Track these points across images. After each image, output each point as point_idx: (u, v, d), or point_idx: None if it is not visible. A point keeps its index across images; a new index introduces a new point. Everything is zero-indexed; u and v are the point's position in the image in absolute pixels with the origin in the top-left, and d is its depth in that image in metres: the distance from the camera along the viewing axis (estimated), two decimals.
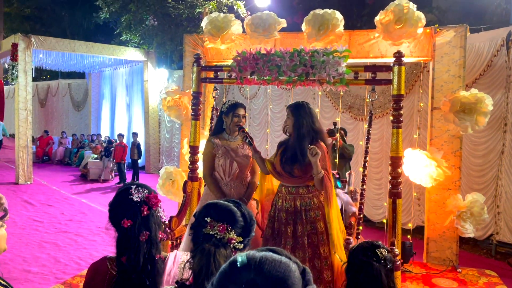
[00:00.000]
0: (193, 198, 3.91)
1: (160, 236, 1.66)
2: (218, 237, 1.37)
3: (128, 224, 1.57)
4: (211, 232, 1.38)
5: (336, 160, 5.29)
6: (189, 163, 3.98)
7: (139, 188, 1.64)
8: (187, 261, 1.42)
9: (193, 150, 3.97)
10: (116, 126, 14.25)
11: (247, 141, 3.29)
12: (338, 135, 5.47)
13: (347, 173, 4.25)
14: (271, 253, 0.82)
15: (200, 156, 3.84)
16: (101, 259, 1.66)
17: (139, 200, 1.61)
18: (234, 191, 3.41)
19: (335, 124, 6.20)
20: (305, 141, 3.09)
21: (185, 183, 3.89)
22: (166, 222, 1.76)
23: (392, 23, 4.28)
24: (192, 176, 3.95)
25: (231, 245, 1.39)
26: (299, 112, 3.18)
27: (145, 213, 1.61)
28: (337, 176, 4.13)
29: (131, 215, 1.59)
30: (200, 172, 3.84)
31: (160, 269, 1.60)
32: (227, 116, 3.42)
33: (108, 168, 11.18)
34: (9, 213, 1.79)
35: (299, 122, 3.15)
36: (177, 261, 1.65)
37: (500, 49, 5.73)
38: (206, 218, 1.40)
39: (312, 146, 2.96)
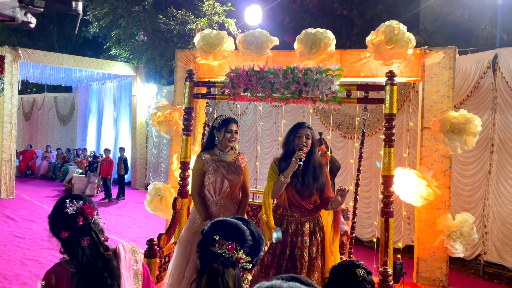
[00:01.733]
0: (182, 215, 3.84)
1: (103, 238, 1.79)
2: (227, 256, 1.34)
3: (66, 235, 1.71)
4: (219, 251, 1.34)
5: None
6: (180, 179, 3.93)
7: (74, 200, 1.76)
8: (193, 280, 1.38)
9: (184, 166, 3.91)
10: (103, 141, 14.09)
11: (300, 167, 3.08)
12: (323, 146, 5.40)
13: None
14: (298, 284, 0.79)
15: (190, 172, 3.78)
16: (56, 264, 1.75)
17: (73, 212, 1.73)
18: (225, 209, 3.33)
19: (320, 133, 6.14)
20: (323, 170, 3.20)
21: (175, 199, 3.82)
22: (103, 227, 1.85)
23: (383, 43, 4.33)
24: (182, 192, 3.89)
25: (240, 265, 1.35)
26: (314, 136, 3.22)
27: (81, 223, 1.73)
28: None
29: (68, 226, 1.72)
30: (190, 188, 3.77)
31: (114, 260, 1.76)
32: (219, 132, 3.35)
33: (93, 183, 10.99)
34: None
35: (314, 142, 3.19)
36: (126, 248, 1.83)
37: (487, 71, 5.85)
38: (214, 236, 1.36)
39: (342, 188, 2.99)
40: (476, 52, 6.19)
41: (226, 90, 3.59)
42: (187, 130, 3.90)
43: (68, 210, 1.74)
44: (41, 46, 15.94)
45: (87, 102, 15.07)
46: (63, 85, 14.62)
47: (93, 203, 1.83)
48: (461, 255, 4.51)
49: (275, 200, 3.30)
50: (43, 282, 1.69)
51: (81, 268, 1.70)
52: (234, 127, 3.34)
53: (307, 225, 3.12)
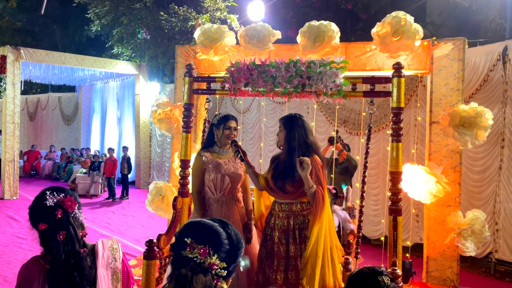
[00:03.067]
0: (183, 215, 3.72)
1: (81, 233, 1.75)
2: (198, 261, 1.20)
3: (43, 227, 1.67)
4: (190, 255, 1.21)
5: (332, 175, 5.08)
6: (180, 177, 3.80)
7: (54, 192, 1.73)
8: (163, 286, 1.25)
9: (184, 164, 3.79)
10: (107, 140, 14.02)
11: (239, 156, 3.16)
12: (339, 144, 5.25)
13: (344, 188, 4.08)
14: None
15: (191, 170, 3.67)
16: (32, 258, 1.73)
17: (52, 204, 1.70)
18: (226, 207, 3.26)
19: (337, 131, 5.97)
20: (296, 155, 2.95)
21: (175, 199, 3.69)
22: (84, 222, 1.81)
23: (389, 35, 4.18)
24: (183, 191, 3.76)
25: (213, 271, 1.21)
26: (291, 125, 3.05)
27: (59, 216, 1.69)
28: (334, 191, 3.97)
29: (46, 219, 1.68)
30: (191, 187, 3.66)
31: (87, 260, 1.71)
32: (218, 129, 3.30)
33: (97, 183, 10.92)
34: None
35: (290, 135, 3.02)
36: (105, 245, 1.80)
37: (496, 63, 5.68)
38: (186, 239, 1.23)
39: (301, 158, 2.82)
40: (485, 44, 6.01)
41: (227, 85, 3.46)
42: (187, 127, 3.77)
43: (48, 202, 1.70)
44: (44, 46, 15.88)
45: (91, 102, 15.01)
46: (66, 84, 14.57)
47: (75, 197, 1.80)
48: (473, 254, 4.36)
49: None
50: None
51: (54, 263, 1.66)
52: (232, 124, 3.28)
53: (286, 221, 3.01)
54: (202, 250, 1.20)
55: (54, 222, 1.69)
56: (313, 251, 2.82)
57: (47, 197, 1.71)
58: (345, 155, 5.21)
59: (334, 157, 5.60)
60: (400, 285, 2.91)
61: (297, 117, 3.09)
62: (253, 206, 3.48)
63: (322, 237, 2.86)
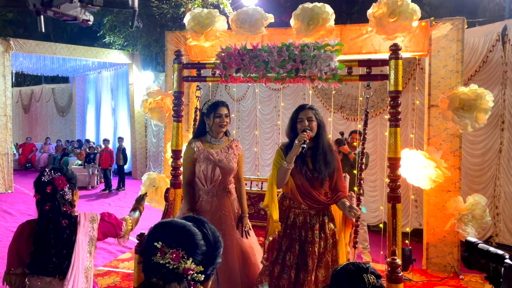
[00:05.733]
0: (176, 207, 3.62)
1: (65, 208, 2.17)
2: (171, 267, 1.07)
3: (37, 197, 2.17)
4: (161, 261, 1.08)
5: (354, 171, 4.76)
6: (172, 168, 3.69)
7: (51, 171, 2.17)
8: None
9: (176, 154, 3.67)
10: (102, 131, 13.87)
11: (303, 150, 2.79)
12: (346, 146, 5.08)
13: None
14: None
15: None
16: (27, 220, 2.24)
17: (46, 180, 2.14)
18: (217, 199, 3.12)
19: (342, 133, 5.76)
20: (333, 146, 3.00)
21: (167, 190, 3.59)
22: (73, 200, 2.25)
23: (385, 16, 4.04)
24: (175, 182, 3.65)
25: (189, 277, 1.09)
26: (320, 117, 2.94)
27: (48, 191, 2.13)
28: None
29: (40, 191, 2.16)
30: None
31: (66, 230, 2.15)
32: (208, 118, 3.12)
33: (94, 175, 10.81)
34: None
35: (321, 125, 2.91)
36: (87, 216, 2.25)
37: (496, 44, 5.53)
38: (156, 243, 1.09)
39: (351, 206, 2.79)
40: (484, 25, 5.86)
41: (217, 72, 3.33)
42: (178, 116, 3.64)
43: (43, 178, 2.14)
44: (36, 37, 15.60)
45: (85, 92, 14.81)
46: (59, 76, 14.36)
47: (70, 178, 2.21)
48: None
49: (280, 190, 3.03)
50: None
51: (39, 226, 2.13)
52: (223, 111, 3.09)
53: (316, 218, 2.85)
54: (174, 255, 1.08)
55: (44, 194, 2.13)
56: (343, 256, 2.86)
57: (44, 173, 2.16)
58: (352, 158, 4.98)
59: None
60: (400, 274, 2.82)
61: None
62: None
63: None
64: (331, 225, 2.88)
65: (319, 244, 2.80)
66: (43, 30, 2.10)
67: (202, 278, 1.11)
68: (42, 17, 2.06)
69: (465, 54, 5.52)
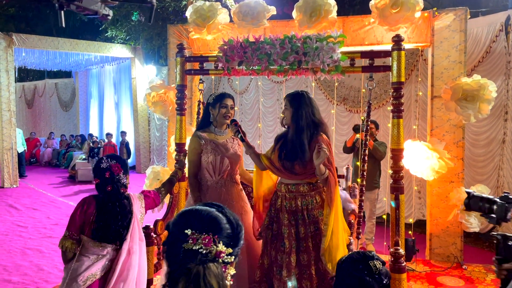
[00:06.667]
0: (180, 199, 3.64)
1: (122, 190, 2.58)
2: (205, 252, 1.11)
3: (97, 181, 2.56)
4: (194, 247, 1.11)
5: (358, 163, 4.57)
6: (175, 161, 3.71)
7: (109, 159, 2.57)
8: (164, 286, 1.16)
9: (179, 147, 3.69)
10: (105, 125, 13.91)
11: (239, 136, 3.03)
12: (363, 133, 4.92)
13: (344, 167, 3.97)
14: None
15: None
16: (89, 195, 2.60)
17: (104, 167, 2.53)
18: (226, 190, 3.16)
19: (363, 120, 5.57)
20: (305, 134, 2.84)
21: None
22: (127, 183, 2.64)
23: (388, 7, 4.03)
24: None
25: (220, 260, 1.13)
26: (299, 103, 2.90)
27: (106, 176, 2.52)
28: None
29: (99, 176, 2.54)
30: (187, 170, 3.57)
31: (128, 205, 2.60)
32: (213, 108, 3.16)
33: None
34: None
35: (298, 113, 2.88)
36: (135, 197, 2.69)
37: (499, 34, 5.50)
38: (186, 231, 1.13)
39: (320, 145, 2.68)
40: (487, 15, 5.83)
41: (220, 64, 3.33)
42: (181, 109, 3.66)
43: (102, 165, 2.54)
44: (38, 32, 15.60)
45: (88, 87, 14.83)
46: (62, 70, 14.38)
47: (123, 165, 2.59)
48: (477, 230, 4.30)
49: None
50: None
51: (103, 203, 2.52)
52: (229, 102, 3.14)
53: (294, 202, 2.89)
54: (207, 240, 1.11)
55: (103, 179, 2.52)
56: (333, 242, 2.75)
57: (103, 161, 2.55)
58: (371, 145, 4.79)
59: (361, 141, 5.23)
60: (403, 265, 2.85)
61: (304, 95, 2.94)
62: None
63: (338, 226, 2.79)
64: (316, 212, 2.88)
65: (298, 228, 2.85)
66: (63, 25, 2.12)
67: (231, 259, 1.14)
68: (63, 12, 2.08)
69: (468, 45, 5.50)
